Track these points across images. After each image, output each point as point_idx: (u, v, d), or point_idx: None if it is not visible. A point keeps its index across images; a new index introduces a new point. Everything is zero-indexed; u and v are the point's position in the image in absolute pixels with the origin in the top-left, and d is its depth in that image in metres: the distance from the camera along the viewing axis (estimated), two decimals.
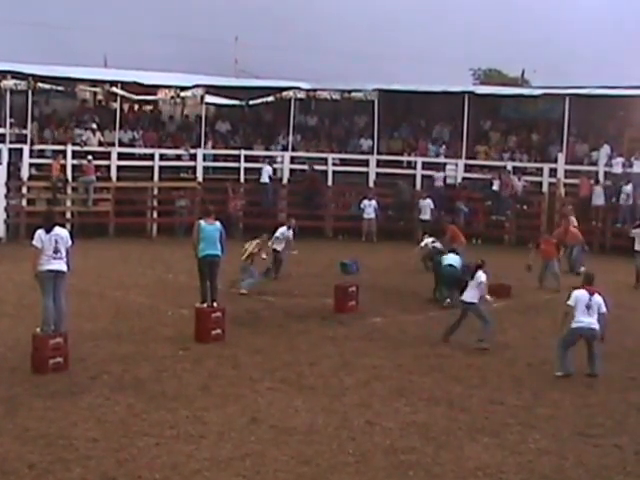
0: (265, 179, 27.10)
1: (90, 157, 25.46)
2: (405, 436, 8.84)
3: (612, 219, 24.91)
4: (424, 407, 9.83)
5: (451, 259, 15.76)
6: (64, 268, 11.11)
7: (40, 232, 11.04)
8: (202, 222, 13.48)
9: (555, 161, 26.26)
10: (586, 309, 10.99)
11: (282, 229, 18.36)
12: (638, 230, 19.05)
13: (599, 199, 25.01)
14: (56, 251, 11.00)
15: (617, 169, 25.34)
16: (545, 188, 26.22)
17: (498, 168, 26.92)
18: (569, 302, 11.22)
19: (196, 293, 13.61)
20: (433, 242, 19.53)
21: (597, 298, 11.16)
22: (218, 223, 13.48)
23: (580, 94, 26.04)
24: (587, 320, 10.97)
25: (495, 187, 26.41)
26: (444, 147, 28.18)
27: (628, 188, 24.59)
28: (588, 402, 10.24)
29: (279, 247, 18.08)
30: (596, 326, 11.01)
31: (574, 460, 8.34)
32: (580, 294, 11.18)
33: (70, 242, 11.23)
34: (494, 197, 26.49)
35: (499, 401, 10.14)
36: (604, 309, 11.15)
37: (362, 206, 26.11)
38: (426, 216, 25.34)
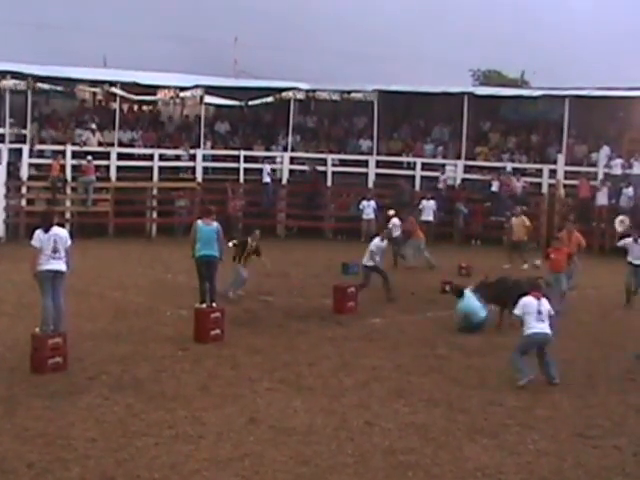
0: (267, 179, 27.15)
1: (90, 157, 25.50)
2: (404, 437, 8.83)
3: (612, 220, 24.92)
4: (423, 408, 9.81)
5: (468, 318, 13.95)
6: (63, 268, 11.11)
7: (39, 232, 11.04)
8: (200, 222, 13.46)
9: (554, 162, 26.31)
10: (537, 314, 10.78)
11: (376, 241, 16.46)
12: (628, 240, 16.86)
13: (603, 199, 24.99)
14: (55, 251, 10.99)
15: (616, 170, 25.40)
16: (545, 189, 26.27)
17: (497, 169, 26.97)
18: (516, 312, 10.99)
19: (195, 293, 13.62)
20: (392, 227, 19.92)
21: (545, 302, 11.01)
22: (216, 224, 13.44)
23: (580, 95, 26.11)
24: (540, 326, 10.78)
25: (494, 188, 26.44)
26: (441, 148, 28.21)
27: (629, 191, 24.62)
28: (587, 403, 10.22)
29: (374, 262, 16.22)
30: (549, 331, 10.83)
31: (573, 461, 8.32)
32: (528, 301, 10.94)
33: (69, 242, 11.23)
34: (493, 198, 26.52)
35: (498, 402, 10.11)
36: (552, 312, 11.01)
37: (361, 207, 26.10)
38: (429, 217, 24.86)
